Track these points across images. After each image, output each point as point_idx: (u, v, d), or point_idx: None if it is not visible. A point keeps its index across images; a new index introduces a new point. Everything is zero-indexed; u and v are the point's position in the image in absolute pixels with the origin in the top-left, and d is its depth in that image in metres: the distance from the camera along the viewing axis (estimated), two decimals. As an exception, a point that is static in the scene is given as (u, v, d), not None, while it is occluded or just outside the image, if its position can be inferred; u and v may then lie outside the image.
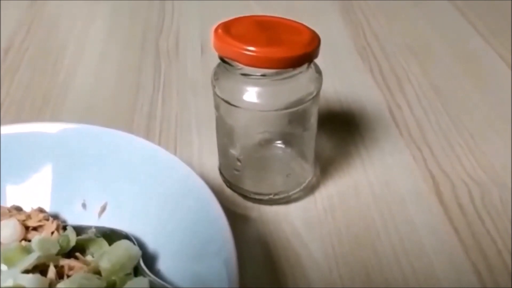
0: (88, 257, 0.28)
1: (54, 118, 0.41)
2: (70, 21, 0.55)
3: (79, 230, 0.29)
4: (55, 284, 0.26)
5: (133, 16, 0.55)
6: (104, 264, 0.26)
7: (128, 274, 0.27)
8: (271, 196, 0.34)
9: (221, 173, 0.35)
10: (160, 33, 0.52)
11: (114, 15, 0.56)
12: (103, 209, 0.31)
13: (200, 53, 0.49)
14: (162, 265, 0.28)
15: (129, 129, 0.40)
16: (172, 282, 0.27)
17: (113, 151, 0.31)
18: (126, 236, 0.29)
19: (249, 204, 0.34)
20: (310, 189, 0.35)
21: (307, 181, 0.35)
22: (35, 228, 0.29)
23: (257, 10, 0.55)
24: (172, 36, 0.52)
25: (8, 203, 0.31)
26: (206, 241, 0.26)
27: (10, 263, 0.26)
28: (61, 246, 0.28)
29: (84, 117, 0.41)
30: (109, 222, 0.30)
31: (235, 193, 0.35)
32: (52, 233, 0.29)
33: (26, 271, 0.26)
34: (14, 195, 0.31)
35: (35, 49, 0.50)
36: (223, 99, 0.31)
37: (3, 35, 0.52)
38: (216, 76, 0.31)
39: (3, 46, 0.50)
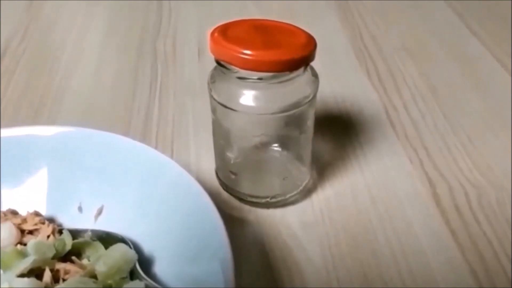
0: (84, 261, 0.28)
1: (51, 120, 0.41)
2: (67, 23, 0.55)
3: (75, 233, 0.29)
4: (51, 288, 0.26)
5: (131, 18, 0.55)
6: (100, 268, 0.26)
7: (124, 278, 0.27)
8: (267, 199, 0.34)
9: (217, 176, 0.35)
10: (157, 35, 0.52)
11: (111, 18, 0.56)
12: (99, 212, 0.31)
13: (197, 55, 0.49)
14: (158, 269, 0.28)
15: (126, 132, 0.40)
16: (168, 285, 0.27)
17: (109, 154, 0.31)
18: (122, 240, 0.29)
19: (246, 207, 0.34)
20: (307, 192, 0.35)
21: (304, 184, 0.35)
22: (30, 232, 0.29)
23: (255, 12, 0.55)
24: (169, 39, 0.52)
25: (4, 206, 0.31)
26: (203, 244, 0.26)
27: (5, 267, 0.26)
28: (57, 250, 0.28)
29: (81, 119, 0.41)
30: (105, 225, 0.30)
31: (231, 196, 0.34)
32: (48, 236, 0.29)
33: (22, 275, 0.26)
34: (10, 199, 0.31)
35: (32, 51, 0.50)
36: (219, 103, 0.30)
37: (0, 37, 0.52)
38: (212, 79, 0.31)
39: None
